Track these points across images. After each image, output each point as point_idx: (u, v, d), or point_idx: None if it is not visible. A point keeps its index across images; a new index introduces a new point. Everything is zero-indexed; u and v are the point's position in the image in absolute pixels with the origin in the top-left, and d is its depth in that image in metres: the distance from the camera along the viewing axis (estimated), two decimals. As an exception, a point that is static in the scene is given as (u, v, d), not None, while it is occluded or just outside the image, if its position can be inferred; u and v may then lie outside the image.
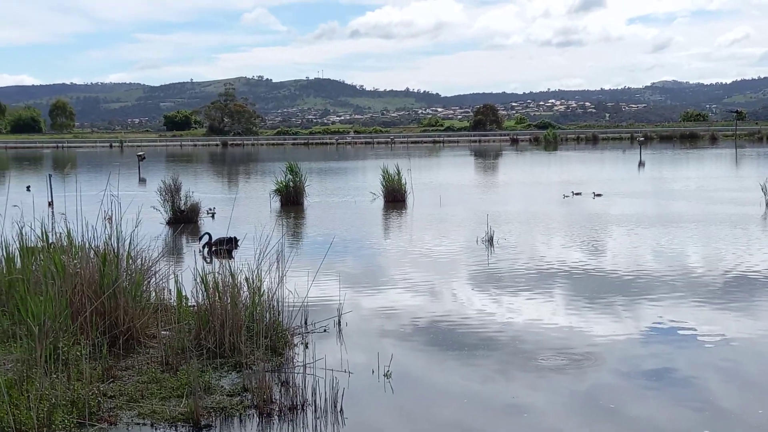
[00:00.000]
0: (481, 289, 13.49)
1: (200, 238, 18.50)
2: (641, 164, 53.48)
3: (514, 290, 13.25)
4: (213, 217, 24.36)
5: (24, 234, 11.86)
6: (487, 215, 20.26)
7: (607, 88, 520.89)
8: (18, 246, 11.81)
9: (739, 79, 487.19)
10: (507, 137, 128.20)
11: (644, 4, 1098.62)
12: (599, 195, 29.28)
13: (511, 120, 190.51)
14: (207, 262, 15.49)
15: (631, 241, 18.46)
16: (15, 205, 13.44)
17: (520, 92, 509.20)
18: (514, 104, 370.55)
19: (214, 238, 17.83)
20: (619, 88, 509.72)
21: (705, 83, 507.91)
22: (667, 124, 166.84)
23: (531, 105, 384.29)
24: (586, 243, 18.17)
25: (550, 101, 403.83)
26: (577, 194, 29.67)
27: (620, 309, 11.91)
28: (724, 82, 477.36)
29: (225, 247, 16.46)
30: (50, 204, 23.26)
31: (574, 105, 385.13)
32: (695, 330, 10.71)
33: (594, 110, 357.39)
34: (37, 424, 6.83)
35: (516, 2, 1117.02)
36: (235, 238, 17.03)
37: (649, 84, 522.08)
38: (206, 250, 17.65)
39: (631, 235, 19.24)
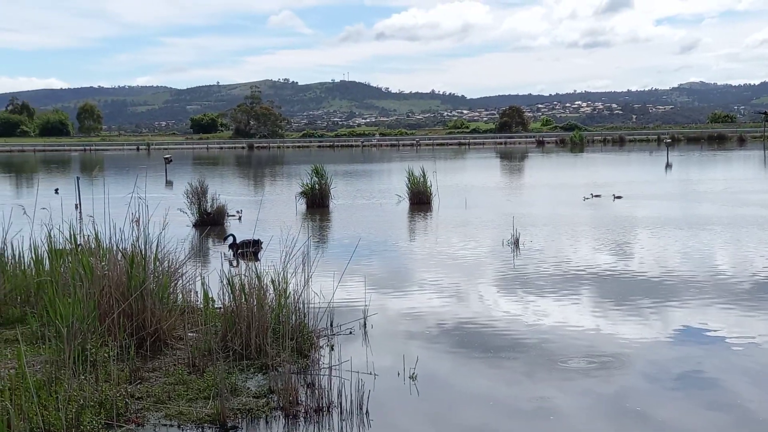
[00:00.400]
0: (507, 291, 13.45)
1: (224, 239, 18.58)
2: (668, 166, 53.14)
3: (540, 293, 13.21)
4: (240, 219, 24.45)
5: (52, 237, 11.98)
6: (512, 217, 20.20)
7: (633, 89, 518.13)
8: (47, 248, 11.94)
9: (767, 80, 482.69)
10: (533, 139, 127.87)
11: (672, 5, 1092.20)
12: (619, 197, 29.10)
13: (537, 122, 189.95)
14: (233, 266, 15.55)
15: (657, 243, 18.35)
16: (44, 208, 13.55)
17: (546, 94, 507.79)
18: (540, 106, 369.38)
19: (238, 240, 17.90)
20: (646, 89, 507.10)
21: (733, 84, 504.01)
22: (694, 125, 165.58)
23: (557, 107, 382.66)
24: (612, 245, 18.07)
25: (576, 103, 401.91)
26: (596, 196, 29.55)
27: (647, 311, 11.83)
28: (752, 84, 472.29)
29: (251, 249, 16.52)
30: (77, 206, 23.46)
31: (601, 107, 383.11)
32: (723, 333, 10.63)
33: (621, 112, 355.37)
34: (66, 425, 6.88)
35: (542, 4, 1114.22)
36: (259, 240, 17.08)
37: (676, 85, 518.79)
38: (232, 251, 17.71)
39: (658, 238, 19.12)
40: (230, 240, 18.14)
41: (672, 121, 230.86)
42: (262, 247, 16.98)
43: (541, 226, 21.44)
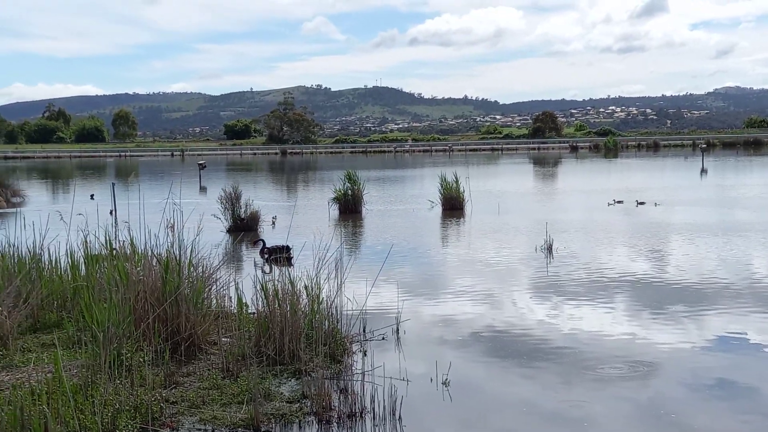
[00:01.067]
0: (541, 297, 13.40)
1: (254, 244, 18.71)
2: (703, 171, 52.67)
3: (574, 299, 13.14)
4: (273, 225, 24.55)
5: (88, 242, 12.11)
6: (545, 223, 20.12)
7: (668, 94, 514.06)
8: (83, 254, 12.07)
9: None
10: (566, 144, 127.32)
11: (708, 9, 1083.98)
12: (642, 203, 28.90)
13: (571, 127, 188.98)
14: (265, 272, 15.64)
15: (691, 249, 18.19)
16: (80, 214, 13.70)
17: (580, 99, 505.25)
18: (573, 111, 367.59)
19: (268, 246, 18.01)
20: (681, 94, 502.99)
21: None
22: (730, 130, 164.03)
23: (591, 112, 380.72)
24: (645, 252, 17.94)
25: (610, 108, 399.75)
26: (618, 202, 29.39)
27: (682, 318, 11.73)
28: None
29: (284, 255, 16.58)
30: (112, 212, 23.68)
31: (635, 112, 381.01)
32: (760, 340, 10.52)
33: (655, 117, 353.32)
34: (102, 428, 6.95)
35: (576, 8, 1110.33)
36: (289, 246, 17.16)
37: (711, 90, 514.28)
38: (263, 258, 17.80)
39: (691, 244, 18.95)
40: (260, 245, 18.25)
41: (707, 126, 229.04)
42: (292, 253, 17.04)
43: (574, 232, 21.34)
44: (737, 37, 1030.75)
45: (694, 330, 11.09)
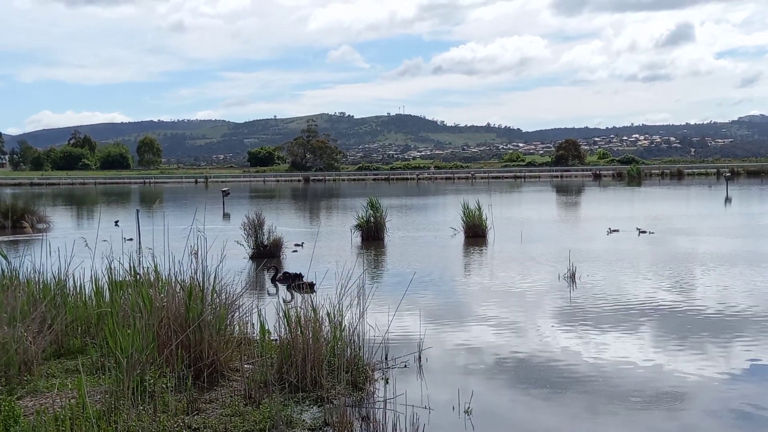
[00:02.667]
0: (564, 326, 13.33)
1: (267, 270, 18.80)
2: (728, 200, 52.36)
3: (597, 327, 13.06)
4: (296, 251, 24.56)
5: (113, 268, 12.19)
6: (569, 251, 20.05)
7: (692, 122, 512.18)
8: (107, 280, 12.15)
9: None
10: (589, 172, 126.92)
11: (734, 38, 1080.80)
12: (644, 232, 28.88)
13: (594, 155, 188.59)
14: (286, 300, 15.73)
15: (713, 278, 18.05)
16: (104, 240, 13.81)
17: (603, 127, 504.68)
18: (596, 139, 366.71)
19: (281, 273, 18.12)
20: (705, 122, 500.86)
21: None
22: (755, 159, 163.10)
23: (614, 140, 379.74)
24: (669, 281, 17.82)
25: (633, 136, 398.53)
26: (614, 231, 29.46)
27: (707, 347, 11.63)
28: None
29: (299, 282, 16.65)
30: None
31: (659, 140, 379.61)
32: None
33: (679, 145, 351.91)
34: (124, 454, 6.97)
35: (602, 37, 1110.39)
36: (301, 274, 17.30)
37: (735, 119, 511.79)
38: (276, 284, 17.87)
39: (715, 274, 18.81)
40: (273, 273, 18.34)
41: (731, 155, 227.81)
42: (305, 281, 17.12)
43: (598, 260, 21.24)
44: (763, 66, 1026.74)
45: (722, 359, 11.00)
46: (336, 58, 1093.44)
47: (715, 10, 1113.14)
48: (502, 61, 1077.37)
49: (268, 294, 16.92)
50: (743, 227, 31.98)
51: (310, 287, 16.03)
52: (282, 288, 17.71)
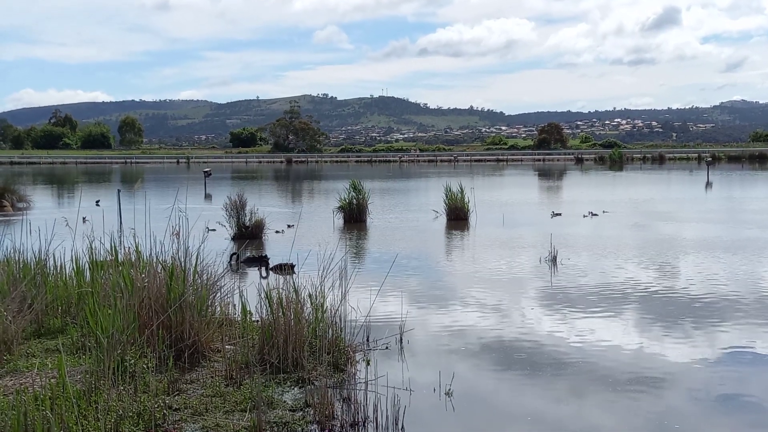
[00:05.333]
0: (544, 308, 13.39)
1: (229, 261, 18.74)
2: (708, 185, 52.65)
3: (578, 310, 13.12)
4: (281, 232, 24.44)
5: (94, 248, 12.14)
6: (550, 234, 20.12)
7: (674, 107, 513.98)
8: (88, 260, 12.10)
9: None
10: (571, 156, 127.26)
11: (720, 22, 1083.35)
12: (595, 215, 29.36)
13: (576, 139, 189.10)
14: (263, 277, 15.85)
15: (695, 263, 18.15)
16: (86, 220, 13.73)
17: (586, 111, 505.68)
18: (579, 123, 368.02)
19: (245, 257, 18.18)
20: (687, 107, 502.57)
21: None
22: (735, 144, 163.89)
23: (596, 124, 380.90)
24: (649, 265, 17.90)
25: (615, 120, 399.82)
26: (557, 215, 29.80)
27: (688, 329, 11.70)
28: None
29: (265, 265, 17.04)
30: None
31: (640, 124, 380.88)
32: None
33: (660, 129, 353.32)
34: (105, 434, 6.96)
35: (588, 20, 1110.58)
36: (265, 256, 17.48)
37: (717, 104, 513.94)
38: (233, 262, 17.85)
39: (695, 258, 18.92)
40: (233, 254, 18.25)
41: (713, 140, 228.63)
42: (268, 264, 17.28)
43: (577, 244, 21.32)
44: (749, 51, 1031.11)
45: (704, 343, 11.07)
46: (322, 38, 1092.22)
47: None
48: (488, 43, 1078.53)
49: (232, 271, 16.71)
50: (723, 211, 32.14)
51: (291, 268, 16.03)
52: (253, 270, 17.65)
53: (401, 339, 10.97)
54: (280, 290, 9.73)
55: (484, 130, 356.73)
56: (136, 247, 11.35)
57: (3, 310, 9.91)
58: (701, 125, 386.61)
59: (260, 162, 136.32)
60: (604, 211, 30.44)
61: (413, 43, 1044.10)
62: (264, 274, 16.76)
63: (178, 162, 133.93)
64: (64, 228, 12.60)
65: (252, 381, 8.47)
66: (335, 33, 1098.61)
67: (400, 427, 7.65)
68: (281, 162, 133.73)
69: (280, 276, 15.80)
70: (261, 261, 17.70)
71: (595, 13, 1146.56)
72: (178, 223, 11.23)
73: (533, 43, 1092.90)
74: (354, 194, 28.14)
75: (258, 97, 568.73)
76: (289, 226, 25.34)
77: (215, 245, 16.02)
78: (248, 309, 10.60)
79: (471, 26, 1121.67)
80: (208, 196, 42.90)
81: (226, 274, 12.00)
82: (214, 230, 22.05)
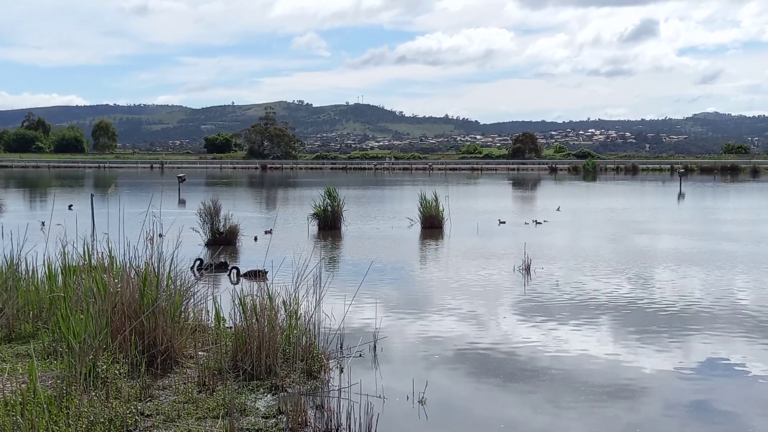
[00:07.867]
0: (518, 317, 13.43)
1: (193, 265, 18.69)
2: (681, 196, 53.07)
3: (551, 319, 13.17)
4: (255, 239, 24.37)
5: (66, 253, 12.06)
6: (524, 243, 20.21)
7: (648, 118, 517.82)
8: (60, 264, 12.02)
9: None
10: (545, 166, 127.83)
11: (697, 34, 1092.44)
12: (540, 223, 30.37)
13: (550, 149, 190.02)
14: (197, 278, 15.85)
15: (668, 273, 18.30)
16: (58, 224, 13.64)
17: (560, 121, 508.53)
18: (553, 133, 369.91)
19: (207, 262, 18.23)
20: (660, 119, 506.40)
21: (747, 116, 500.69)
22: (707, 155, 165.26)
23: (570, 134, 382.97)
24: (623, 275, 18.02)
25: (590, 130, 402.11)
26: (502, 222, 30.43)
27: (665, 340, 11.78)
28: (766, 115, 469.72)
29: (225, 271, 17.47)
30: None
31: (614, 135, 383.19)
32: (742, 365, 10.58)
33: (634, 140, 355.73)
34: (76, 440, 6.91)
35: (566, 30, 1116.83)
36: (226, 262, 17.72)
37: (690, 115, 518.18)
38: (197, 267, 17.85)
39: (668, 268, 19.07)
40: (197, 263, 18.20)
41: (685, 151, 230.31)
42: (228, 270, 17.58)
43: (550, 253, 21.42)
44: (725, 63, 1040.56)
45: (679, 352, 11.15)
46: (301, 45, 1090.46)
47: (679, 7, 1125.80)
48: (467, 52, 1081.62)
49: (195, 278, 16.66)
50: (695, 222, 32.39)
51: (264, 275, 15.98)
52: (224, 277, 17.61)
53: (375, 347, 10.97)
54: (254, 297, 9.71)
55: (459, 138, 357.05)
56: (110, 251, 11.29)
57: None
58: (674, 136, 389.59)
59: (235, 168, 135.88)
60: (545, 220, 31.36)
61: (392, 50, 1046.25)
62: (234, 279, 16.74)
63: (152, 167, 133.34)
64: (37, 232, 12.51)
65: (225, 388, 8.44)
66: (314, 40, 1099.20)
67: (373, 434, 7.65)
68: (256, 168, 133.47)
69: (254, 282, 15.77)
70: (220, 267, 17.69)
71: (574, 24, 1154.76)
72: (152, 229, 11.17)
73: (512, 52, 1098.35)
74: (329, 201, 28.13)
75: (233, 102, 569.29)
76: (266, 232, 25.24)
77: (189, 251, 15.95)
78: (222, 315, 10.58)
79: (450, 35, 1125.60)
80: (182, 202, 42.69)
81: (200, 280, 11.94)
82: (197, 232, 22.08)
